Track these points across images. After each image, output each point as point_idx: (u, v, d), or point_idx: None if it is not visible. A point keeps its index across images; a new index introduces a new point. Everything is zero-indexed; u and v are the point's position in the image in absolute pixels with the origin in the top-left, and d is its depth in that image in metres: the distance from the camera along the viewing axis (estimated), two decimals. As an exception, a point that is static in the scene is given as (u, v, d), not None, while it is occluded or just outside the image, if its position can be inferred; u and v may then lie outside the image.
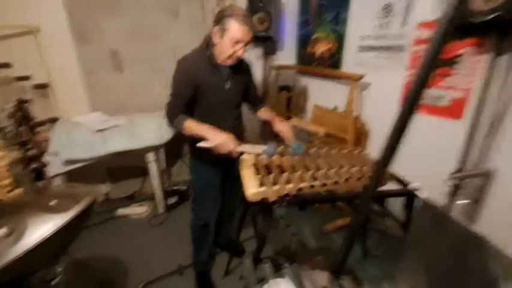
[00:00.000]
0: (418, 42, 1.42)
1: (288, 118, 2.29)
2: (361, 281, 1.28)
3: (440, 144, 1.39)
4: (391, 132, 0.54)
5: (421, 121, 1.50)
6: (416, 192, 0.90)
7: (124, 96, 2.28)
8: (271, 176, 0.94)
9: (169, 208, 2.34)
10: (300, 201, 0.94)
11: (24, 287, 0.86)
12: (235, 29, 1.12)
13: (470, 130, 1.11)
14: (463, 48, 1.28)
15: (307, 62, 2.31)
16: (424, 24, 1.37)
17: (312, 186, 0.92)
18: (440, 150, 1.32)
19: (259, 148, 1.10)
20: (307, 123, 2.20)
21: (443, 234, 0.85)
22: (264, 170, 1.02)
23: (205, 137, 1.09)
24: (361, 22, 1.73)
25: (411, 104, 0.52)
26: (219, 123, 1.19)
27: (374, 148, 1.84)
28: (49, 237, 0.75)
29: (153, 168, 2.15)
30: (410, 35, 1.44)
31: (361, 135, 1.94)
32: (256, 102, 1.52)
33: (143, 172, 2.31)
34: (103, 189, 2.46)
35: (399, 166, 1.27)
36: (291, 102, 2.47)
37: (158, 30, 2.26)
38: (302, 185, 0.93)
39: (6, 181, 1.29)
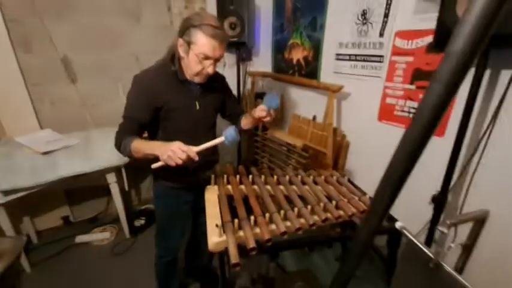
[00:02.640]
0: (397, 52, 1.32)
1: (264, 129, 2.15)
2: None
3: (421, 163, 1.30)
4: (392, 168, 0.34)
5: (398, 135, 1.41)
6: (403, 232, 0.79)
7: (80, 110, 2.02)
8: (236, 221, 0.78)
9: (137, 231, 2.11)
10: (275, 249, 0.79)
11: None
12: (203, 42, 0.94)
13: (453, 148, 1.02)
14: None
15: (285, 69, 2.18)
16: (403, 33, 1.27)
17: (298, 229, 0.77)
18: (420, 171, 1.21)
19: (219, 139, 0.94)
20: (284, 134, 2.07)
21: (431, 281, 0.72)
22: (227, 206, 0.86)
23: (155, 155, 0.91)
24: (338, 28, 1.62)
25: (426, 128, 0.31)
26: None
27: (354, 163, 1.74)
28: None
29: (115, 191, 1.92)
30: (389, 43, 1.34)
31: (340, 148, 1.84)
32: (237, 117, 1.32)
33: (108, 191, 2.06)
34: (60, 212, 2.18)
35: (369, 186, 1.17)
36: (267, 111, 2.32)
37: (116, 35, 2.02)
38: (282, 228, 0.77)
39: None
